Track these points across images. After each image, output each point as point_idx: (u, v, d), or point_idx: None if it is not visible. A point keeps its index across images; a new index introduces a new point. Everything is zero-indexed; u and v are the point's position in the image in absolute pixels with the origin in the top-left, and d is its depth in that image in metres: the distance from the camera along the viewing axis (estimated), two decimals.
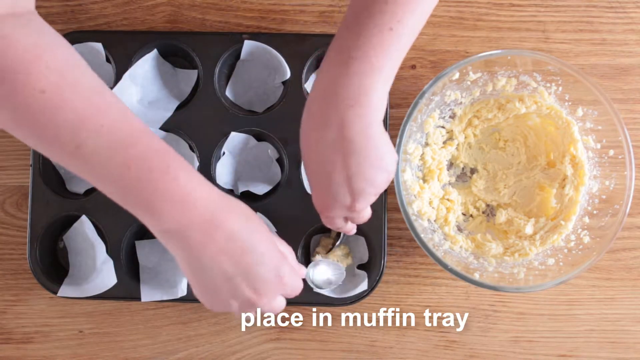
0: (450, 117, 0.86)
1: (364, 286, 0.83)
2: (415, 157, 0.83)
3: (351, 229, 0.78)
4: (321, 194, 0.69)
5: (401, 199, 0.77)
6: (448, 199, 0.86)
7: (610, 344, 0.86)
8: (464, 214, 0.87)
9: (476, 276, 0.78)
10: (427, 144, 0.85)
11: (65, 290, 0.83)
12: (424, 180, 0.85)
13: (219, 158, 0.85)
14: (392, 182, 0.78)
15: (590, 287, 0.87)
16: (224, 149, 0.85)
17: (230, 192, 0.86)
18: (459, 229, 0.86)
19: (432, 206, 0.84)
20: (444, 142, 0.87)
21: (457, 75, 0.78)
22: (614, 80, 0.88)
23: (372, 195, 0.68)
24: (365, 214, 0.73)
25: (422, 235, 0.77)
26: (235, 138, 0.84)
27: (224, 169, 0.85)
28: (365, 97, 0.62)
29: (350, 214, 0.71)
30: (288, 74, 0.84)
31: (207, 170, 0.83)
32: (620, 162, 0.79)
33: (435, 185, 0.85)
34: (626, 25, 0.88)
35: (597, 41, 0.88)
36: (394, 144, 0.77)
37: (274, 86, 0.87)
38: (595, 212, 0.82)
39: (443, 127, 0.86)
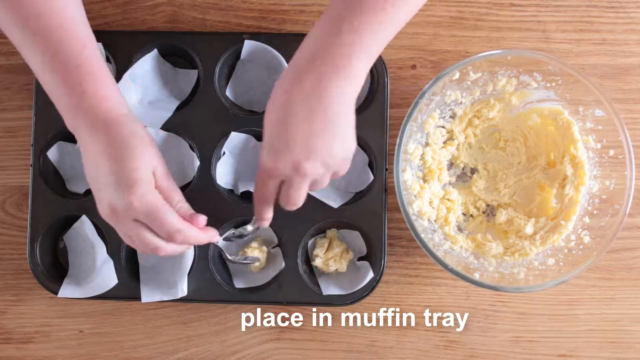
0: (450, 117, 0.86)
1: (370, 275, 0.83)
2: (416, 157, 0.83)
3: (268, 214, 0.75)
4: (273, 144, 0.66)
5: (401, 199, 0.77)
6: (448, 199, 0.86)
7: (610, 344, 0.86)
8: (464, 214, 0.87)
9: (476, 276, 0.78)
10: (427, 144, 0.85)
11: (65, 291, 0.83)
12: (424, 180, 0.85)
13: (219, 158, 0.85)
14: (392, 182, 0.78)
15: (590, 287, 0.87)
16: (224, 148, 0.85)
17: (230, 192, 0.86)
18: (459, 229, 0.86)
19: (432, 206, 0.84)
20: (444, 142, 0.87)
21: (457, 75, 0.78)
22: (614, 80, 0.88)
23: (321, 167, 0.66)
24: (300, 193, 0.69)
25: (422, 235, 0.77)
26: (235, 138, 0.84)
27: (224, 169, 0.85)
28: (350, 68, 0.64)
29: (291, 177, 0.67)
30: None
31: (207, 170, 0.83)
32: (620, 162, 0.79)
33: (436, 185, 0.85)
34: (626, 25, 0.88)
35: (597, 41, 0.88)
36: (394, 144, 0.77)
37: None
38: (595, 212, 0.82)
39: (443, 127, 0.86)
